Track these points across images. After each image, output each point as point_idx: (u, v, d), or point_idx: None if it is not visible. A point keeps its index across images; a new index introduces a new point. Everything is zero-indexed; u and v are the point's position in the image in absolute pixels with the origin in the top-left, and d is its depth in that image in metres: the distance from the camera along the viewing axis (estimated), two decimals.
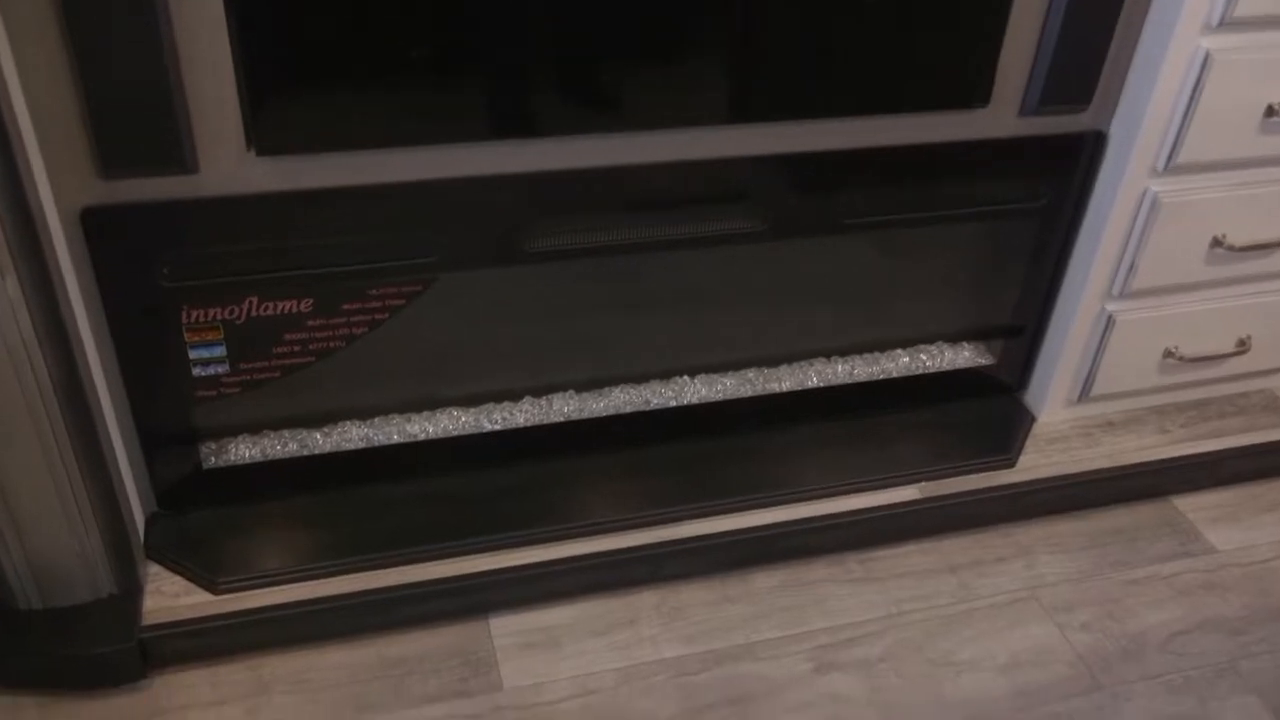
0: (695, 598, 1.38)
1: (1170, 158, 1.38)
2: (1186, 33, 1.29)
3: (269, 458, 1.34)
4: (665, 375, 1.50)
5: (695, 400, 1.49)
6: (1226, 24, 1.29)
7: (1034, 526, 1.52)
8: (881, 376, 1.56)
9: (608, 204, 1.27)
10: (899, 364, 1.57)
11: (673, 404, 1.48)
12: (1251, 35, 1.31)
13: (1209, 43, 1.30)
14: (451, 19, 1.08)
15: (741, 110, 1.24)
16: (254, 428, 1.34)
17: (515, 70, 1.14)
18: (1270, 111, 1.36)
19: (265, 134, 1.09)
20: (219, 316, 1.21)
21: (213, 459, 1.33)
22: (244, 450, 1.33)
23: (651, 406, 1.47)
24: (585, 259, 1.30)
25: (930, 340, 1.60)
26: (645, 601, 1.37)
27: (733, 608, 1.37)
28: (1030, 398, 1.63)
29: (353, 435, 1.37)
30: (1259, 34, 1.31)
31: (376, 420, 1.39)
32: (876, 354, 1.58)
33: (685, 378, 1.50)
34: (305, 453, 1.35)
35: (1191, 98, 1.34)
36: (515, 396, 1.44)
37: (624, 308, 1.42)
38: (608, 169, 1.23)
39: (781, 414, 1.52)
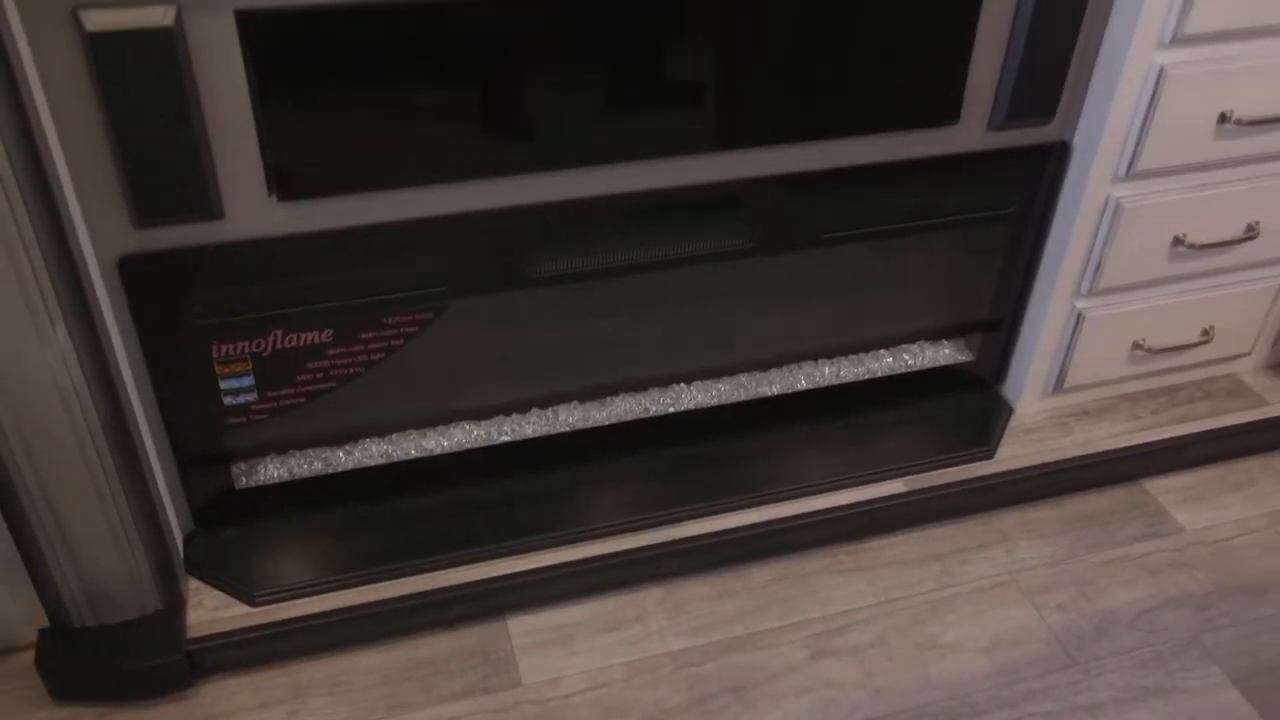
0: (697, 593, 1.48)
1: (1131, 165, 1.47)
2: (1142, 48, 1.38)
3: (295, 476, 1.43)
4: (663, 383, 1.59)
5: (692, 406, 1.58)
6: (1178, 40, 1.38)
7: (1013, 513, 1.62)
8: (867, 376, 1.66)
9: (604, 229, 1.36)
10: (883, 364, 1.66)
11: (671, 410, 1.57)
12: (1202, 49, 1.40)
13: (1163, 58, 1.39)
14: (451, 70, 1.17)
15: (729, 138, 1.33)
16: (281, 449, 1.44)
17: (514, 112, 1.23)
18: (1223, 118, 1.45)
19: (284, 181, 1.17)
20: (247, 350, 1.29)
21: (244, 479, 1.42)
22: (272, 470, 1.42)
23: (651, 414, 1.57)
24: (585, 281, 1.39)
25: (912, 340, 1.70)
26: (650, 598, 1.47)
27: (732, 601, 1.47)
28: (1008, 391, 1.72)
29: (373, 452, 1.46)
30: (1209, 48, 1.40)
31: (395, 437, 1.48)
32: (861, 355, 1.67)
33: (682, 385, 1.59)
34: (329, 470, 1.44)
35: (1149, 109, 1.42)
36: (523, 409, 1.53)
37: (622, 322, 1.51)
38: (603, 198, 1.32)
39: (773, 416, 1.61)
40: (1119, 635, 1.44)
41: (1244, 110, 1.45)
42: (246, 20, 1.07)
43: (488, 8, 1.15)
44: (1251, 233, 1.58)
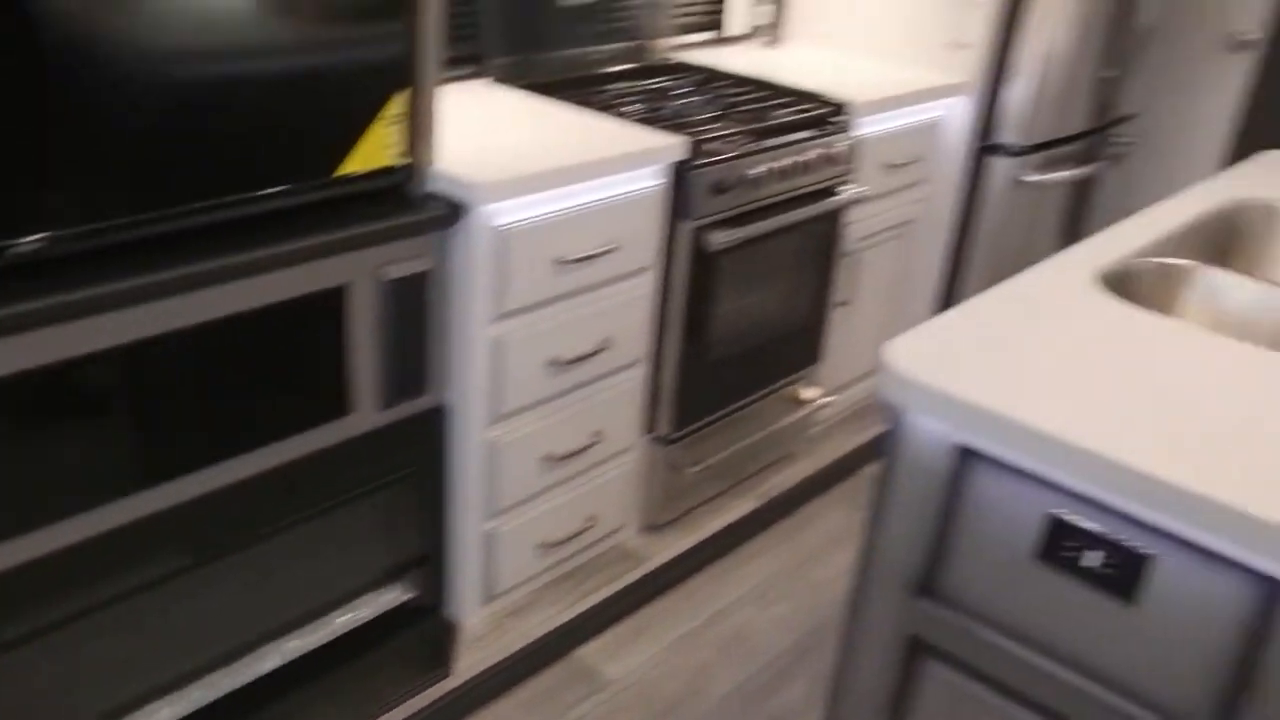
0: None
1: (496, 410, 1.86)
2: (479, 327, 1.78)
3: None
4: (138, 705, 1.66)
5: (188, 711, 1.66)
6: (503, 316, 1.79)
7: (484, 714, 1.89)
8: (330, 638, 1.85)
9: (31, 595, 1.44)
10: (341, 622, 1.87)
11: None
12: (521, 319, 1.83)
13: (494, 331, 1.80)
14: None
15: (151, 475, 1.48)
16: None
17: None
18: (550, 362, 1.90)
19: None
20: None
21: None
22: None
23: None
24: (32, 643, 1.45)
25: (361, 593, 1.92)
26: None
27: None
28: (452, 611, 2.01)
29: None
30: (526, 316, 1.83)
31: None
32: (321, 620, 1.86)
33: (157, 702, 1.67)
34: None
35: (497, 367, 1.82)
36: None
37: (83, 665, 1.57)
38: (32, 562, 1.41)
39: (255, 700, 1.74)
40: None
41: (564, 354, 1.91)
42: None
43: None
44: (595, 438, 2.05)
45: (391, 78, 1.58)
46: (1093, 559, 1.20)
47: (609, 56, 2.51)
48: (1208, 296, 1.64)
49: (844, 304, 2.60)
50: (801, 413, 2.60)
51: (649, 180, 1.96)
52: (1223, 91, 3.41)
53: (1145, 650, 1.19)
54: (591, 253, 1.89)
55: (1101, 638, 1.22)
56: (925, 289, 2.84)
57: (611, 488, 2.15)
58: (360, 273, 1.61)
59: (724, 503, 2.45)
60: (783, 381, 2.50)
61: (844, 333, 2.62)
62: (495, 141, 1.88)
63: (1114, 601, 1.19)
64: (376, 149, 1.59)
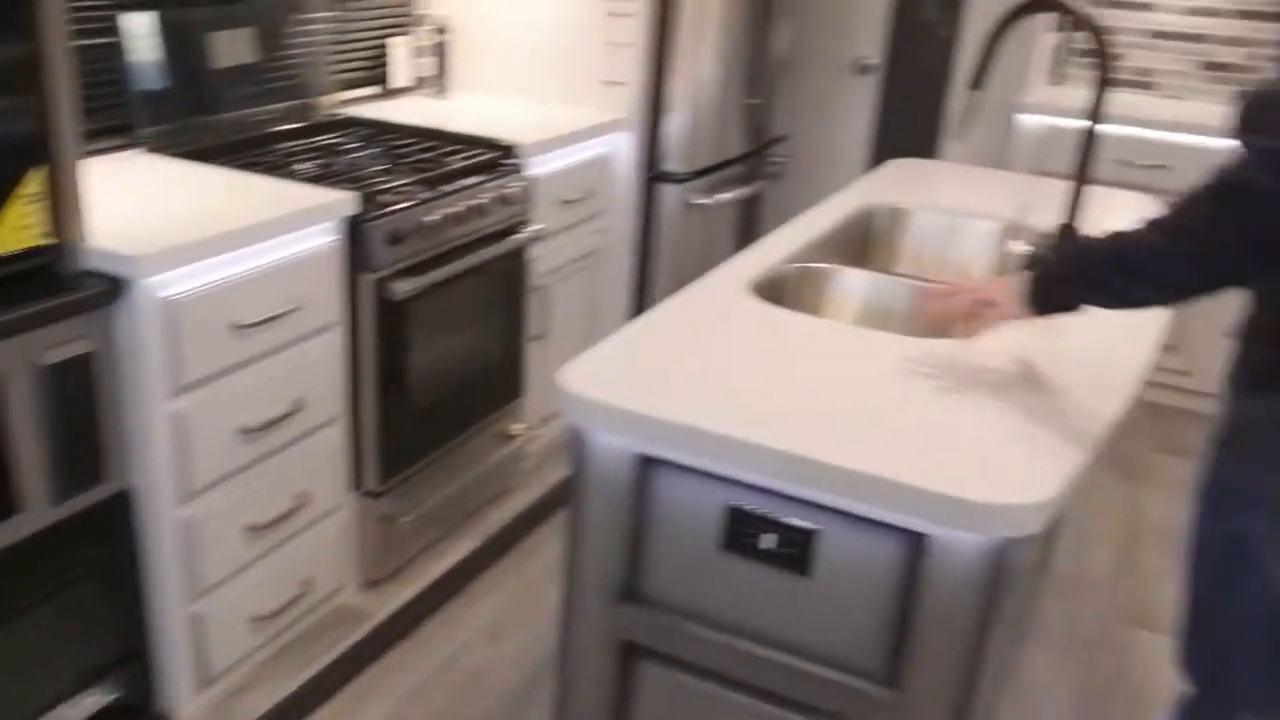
0: None
1: (188, 486, 1.78)
2: (157, 404, 1.70)
3: None
4: None
5: None
6: (181, 390, 1.73)
7: None
8: None
9: None
10: None
11: None
12: (203, 390, 1.77)
13: (174, 406, 1.73)
14: None
15: None
16: None
17: None
18: (240, 431, 1.84)
19: None
20: None
21: None
22: None
23: None
24: None
25: (58, 703, 1.78)
26: None
27: None
28: (164, 704, 1.90)
29: None
30: (208, 387, 1.77)
31: None
32: None
33: None
34: None
35: (181, 443, 1.75)
36: None
37: None
38: None
39: None
40: None
41: (253, 421, 1.86)
42: None
43: None
44: (299, 501, 2.01)
45: (25, 155, 1.50)
46: (769, 541, 1.31)
47: (274, 116, 2.48)
48: (844, 292, 1.82)
49: (539, 337, 2.68)
50: (511, 447, 2.64)
51: (322, 237, 1.95)
52: (858, 109, 3.78)
53: (824, 616, 1.31)
54: (271, 315, 1.85)
55: (787, 612, 1.33)
56: (616, 313, 2.97)
57: (323, 549, 2.11)
58: (13, 362, 1.51)
59: (444, 546, 2.45)
60: (487, 420, 2.54)
61: (542, 365, 2.70)
62: (156, 212, 1.82)
63: (793, 577, 1.31)
64: (16, 230, 1.50)
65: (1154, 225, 1.30)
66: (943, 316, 1.53)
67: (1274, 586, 1.38)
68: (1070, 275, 1.39)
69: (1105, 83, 1.66)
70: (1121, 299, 1.38)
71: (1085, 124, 1.72)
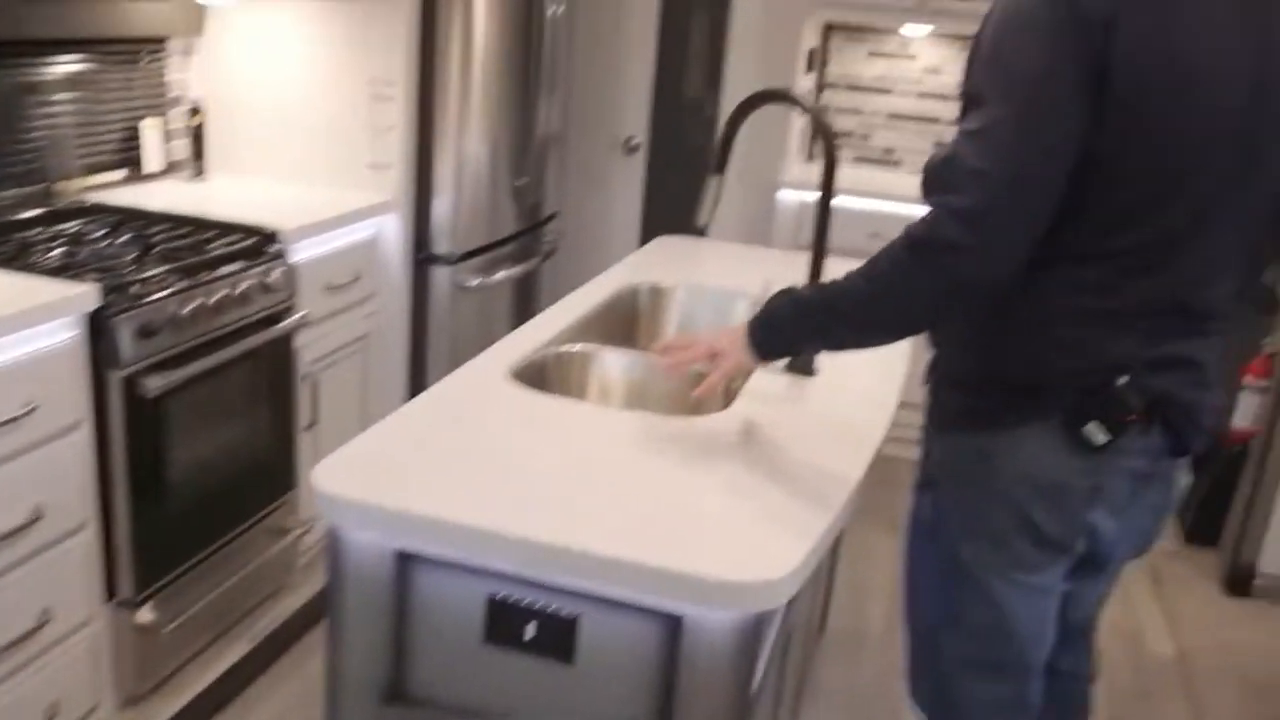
0: None
1: None
2: None
3: None
4: None
5: None
6: None
7: None
8: None
9: None
10: None
11: None
12: None
13: None
14: None
15: None
16: None
17: None
18: None
19: None
20: None
21: None
22: None
23: None
24: None
25: None
26: None
27: None
28: None
29: None
30: None
31: None
32: None
33: None
34: None
35: None
36: None
37: None
38: None
39: None
40: None
41: None
42: None
43: None
44: (42, 618, 1.87)
45: None
46: (531, 631, 1.31)
47: (13, 203, 2.34)
48: (604, 372, 1.86)
49: (311, 426, 2.60)
50: (284, 543, 2.54)
51: (63, 333, 1.84)
52: (629, 185, 3.89)
53: (591, 703, 1.31)
54: (4, 418, 1.73)
55: (555, 701, 1.33)
56: (393, 399, 2.91)
57: (74, 667, 1.96)
58: None
59: (214, 653, 2.32)
60: (258, 516, 2.44)
61: (315, 455, 2.61)
62: None
63: (558, 665, 1.31)
64: None
65: (859, 274, 1.41)
66: (676, 369, 1.59)
67: (994, 600, 1.47)
68: (787, 322, 1.49)
69: (831, 161, 1.79)
70: (835, 342, 1.52)
71: (819, 198, 1.85)
